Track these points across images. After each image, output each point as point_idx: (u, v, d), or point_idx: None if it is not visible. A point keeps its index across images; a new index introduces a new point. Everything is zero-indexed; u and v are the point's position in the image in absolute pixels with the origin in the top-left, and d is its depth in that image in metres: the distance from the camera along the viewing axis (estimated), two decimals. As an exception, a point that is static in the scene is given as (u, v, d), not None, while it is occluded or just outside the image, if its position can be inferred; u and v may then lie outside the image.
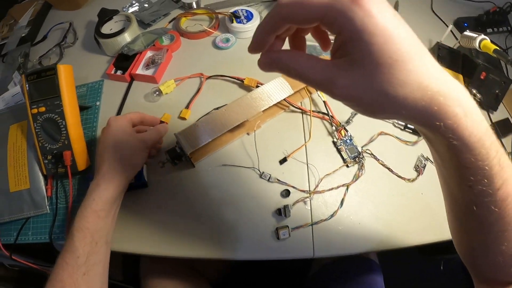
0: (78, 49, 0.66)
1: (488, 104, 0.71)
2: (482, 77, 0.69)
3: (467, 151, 0.22)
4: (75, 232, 0.40)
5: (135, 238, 0.49)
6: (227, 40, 0.64)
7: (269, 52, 0.24)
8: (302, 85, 0.54)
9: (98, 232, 0.42)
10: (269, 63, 0.24)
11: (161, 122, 0.55)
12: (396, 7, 0.76)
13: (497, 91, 0.70)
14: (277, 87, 0.53)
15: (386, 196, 0.54)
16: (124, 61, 0.61)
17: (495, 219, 0.25)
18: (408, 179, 0.56)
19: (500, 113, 0.71)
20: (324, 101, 0.55)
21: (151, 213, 0.50)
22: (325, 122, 0.57)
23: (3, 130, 0.59)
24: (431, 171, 0.59)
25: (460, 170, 0.24)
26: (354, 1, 0.19)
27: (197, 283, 0.65)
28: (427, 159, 0.59)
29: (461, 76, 0.71)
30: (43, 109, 0.53)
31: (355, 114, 0.56)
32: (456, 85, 0.21)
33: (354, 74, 0.20)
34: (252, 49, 0.25)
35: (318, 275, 0.69)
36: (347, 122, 0.55)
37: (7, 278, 0.86)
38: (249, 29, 0.63)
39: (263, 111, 0.51)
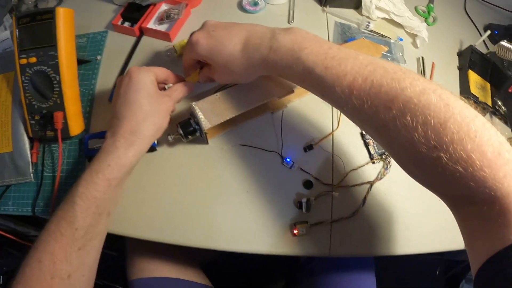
0: (80, -9, 0.56)
1: (511, 118, 0.68)
2: (510, 90, 0.66)
3: (284, 73, 0.35)
4: (78, 199, 0.33)
5: (125, 217, 0.42)
6: (256, 3, 0.55)
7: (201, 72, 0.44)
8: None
9: (105, 202, 0.35)
10: (203, 78, 0.44)
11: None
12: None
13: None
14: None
15: (406, 199, 0.50)
16: (134, 12, 0.52)
17: (355, 115, 0.32)
18: (431, 183, 0.52)
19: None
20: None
21: (147, 189, 0.44)
22: (355, 111, 0.51)
23: (-14, 80, 0.49)
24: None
25: (307, 88, 0.36)
26: (193, 42, 0.38)
27: (187, 266, 0.61)
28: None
29: (488, 85, 0.67)
30: (34, 59, 0.44)
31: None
32: (254, 40, 0.36)
33: (216, 72, 0.41)
34: (185, 75, 0.45)
35: (310, 261, 0.66)
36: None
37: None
38: None
39: (296, 89, 0.44)
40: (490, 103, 0.64)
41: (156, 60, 0.50)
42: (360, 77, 0.28)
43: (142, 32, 0.52)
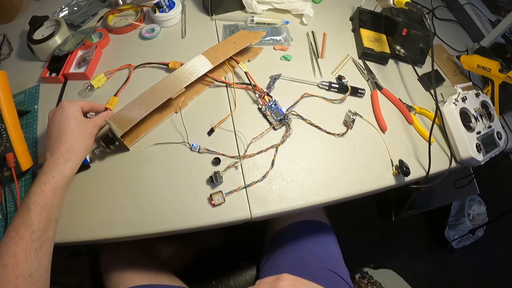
0: (14, 59, 0.69)
1: (413, 58, 0.75)
2: (404, 34, 0.73)
3: None
4: (32, 206, 0.41)
5: (79, 225, 0.50)
6: (152, 30, 0.67)
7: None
8: (221, 59, 0.57)
9: (54, 209, 0.44)
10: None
11: (106, 108, 0.58)
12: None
13: (421, 45, 0.74)
14: (196, 64, 0.56)
15: (317, 152, 0.57)
16: (57, 63, 0.64)
17: None
18: (338, 134, 0.59)
19: (430, 65, 0.75)
20: (245, 72, 0.58)
21: (91, 199, 0.52)
22: (249, 92, 0.60)
23: None
24: (361, 124, 0.62)
25: None
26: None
27: (160, 272, 0.67)
28: (355, 114, 0.63)
29: (384, 36, 0.75)
30: (-18, 117, 0.55)
31: (275, 79, 0.59)
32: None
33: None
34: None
35: (272, 242, 0.72)
36: (268, 87, 0.58)
37: None
38: (172, 16, 0.67)
39: (186, 87, 0.54)
40: (388, 51, 0.72)
41: (80, 96, 0.61)
42: None
43: (66, 77, 0.63)
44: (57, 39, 0.65)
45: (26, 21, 0.68)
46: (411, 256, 1.14)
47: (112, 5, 0.72)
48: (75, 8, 0.71)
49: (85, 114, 0.54)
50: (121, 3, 0.71)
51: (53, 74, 0.64)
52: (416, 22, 0.75)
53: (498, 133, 0.71)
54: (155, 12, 0.66)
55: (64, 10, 0.71)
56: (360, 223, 1.13)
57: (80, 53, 0.65)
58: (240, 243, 0.93)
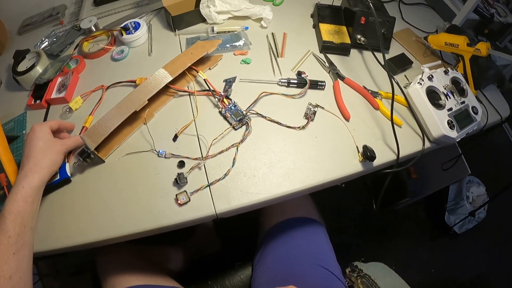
0: (3, 91, 0.77)
1: (376, 45, 0.76)
2: (362, 22, 0.76)
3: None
4: (6, 214, 0.47)
5: (67, 232, 0.55)
6: (122, 51, 0.73)
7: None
8: (180, 70, 0.62)
9: (27, 216, 0.50)
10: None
11: (83, 127, 0.64)
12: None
13: (383, 31, 0.76)
14: (157, 77, 0.61)
15: (278, 147, 0.60)
16: (40, 90, 0.71)
17: None
18: (298, 127, 0.62)
19: (397, 50, 0.78)
20: (204, 79, 0.63)
21: (77, 207, 0.57)
22: (211, 97, 0.64)
23: None
24: (324, 115, 0.65)
25: None
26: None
27: (155, 273, 0.72)
28: (316, 106, 0.66)
29: (344, 27, 0.77)
30: (-24, 144, 0.63)
31: (230, 83, 0.63)
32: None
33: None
34: None
35: (264, 240, 0.75)
36: (225, 91, 0.62)
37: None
38: (138, 37, 0.73)
39: (150, 99, 0.59)
40: (348, 41, 0.74)
41: (61, 118, 0.68)
42: None
43: (49, 103, 0.70)
44: (38, 69, 0.73)
45: (11, 55, 0.76)
46: (413, 246, 1.13)
47: (86, 32, 0.79)
48: (54, 39, 0.79)
49: (56, 132, 0.61)
50: (94, 30, 0.79)
51: (37, 101, 0.71)
52: (377, 9, 0.77)
53: (473, 107, 0.71)
54: (123, 35, 0.73)
55: (44, 41, 0.80)
56: (358, 218, 1.13)
57: (59, 79, 0.72)
58: (235, 245, 0.97)
